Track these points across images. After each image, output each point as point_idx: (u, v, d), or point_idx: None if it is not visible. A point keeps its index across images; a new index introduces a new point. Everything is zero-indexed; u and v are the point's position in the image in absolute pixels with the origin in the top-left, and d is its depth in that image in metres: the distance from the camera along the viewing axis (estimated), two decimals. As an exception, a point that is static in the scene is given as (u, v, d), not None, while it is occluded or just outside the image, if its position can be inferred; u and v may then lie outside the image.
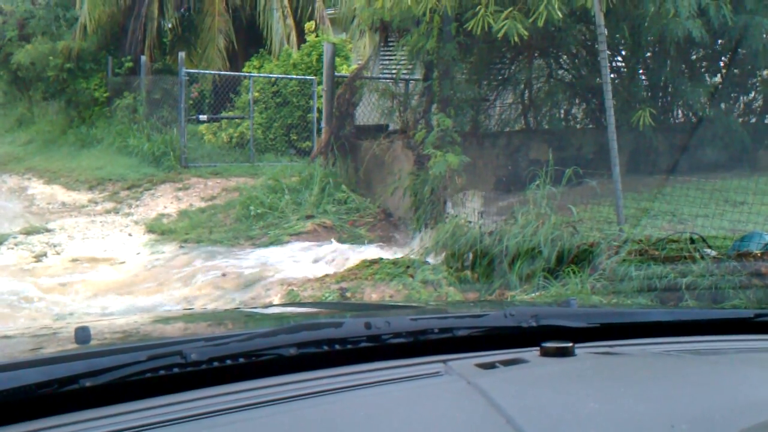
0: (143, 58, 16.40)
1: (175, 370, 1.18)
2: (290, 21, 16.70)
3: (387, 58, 10.98)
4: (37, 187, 13.91)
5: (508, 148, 9.45)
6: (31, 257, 8.85)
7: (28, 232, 9.94)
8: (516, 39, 6.89)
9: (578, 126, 10.09)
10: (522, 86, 9.80)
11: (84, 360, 1.20)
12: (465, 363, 1.34)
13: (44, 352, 1.63)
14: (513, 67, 9.73)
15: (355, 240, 8.87)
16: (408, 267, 6.78)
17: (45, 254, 8.96)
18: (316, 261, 8.05)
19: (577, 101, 10.01)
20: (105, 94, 17.98)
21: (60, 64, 17.65)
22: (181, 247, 9.01)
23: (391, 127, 10.44)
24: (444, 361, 1.34)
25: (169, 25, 18.37)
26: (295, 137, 15.04)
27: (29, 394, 1.09)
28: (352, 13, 11.39)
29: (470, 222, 7.12)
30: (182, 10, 17.73)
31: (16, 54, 18.45)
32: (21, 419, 1.07)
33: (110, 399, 1.13)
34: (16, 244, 9.39)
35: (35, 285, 7.71)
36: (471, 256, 6.39)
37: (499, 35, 6.96)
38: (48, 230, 10.15)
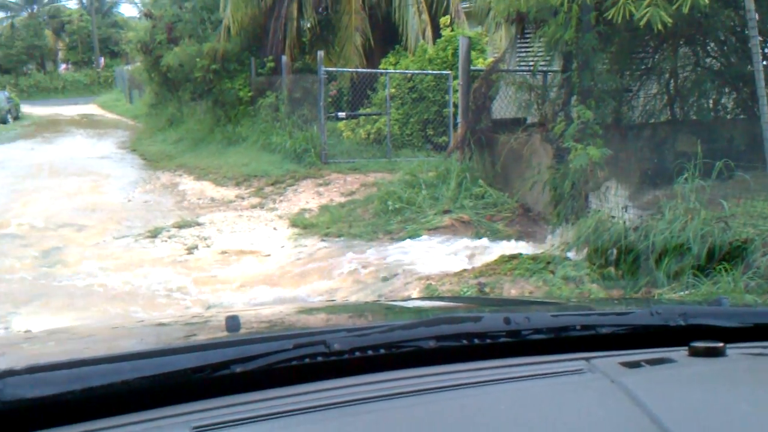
0: (284, 57, 16.89)
1: (319, 358, 1.22)
2: (425, 16, 16.74)
3: (523, 50, 10.81)
4: (187, 183, 14.65)
5: (652, 140, 9.09)
6: (184, 249, 9.32)
7: (180, 226, 10.48)
8: (659, 27, 6.60)
9: (728, 116, 9.56)
10: (667, 76, 9.39)
11: (235, 347, 1.25)
12: (608, 361, 1.31)
13: (197, 339, 1.72)
14: (657, 56, 9.34)
15: (493, 235, 8.80)
16: (548, 263, 6.66)
17: (196, 247, 9.42)
18: (453, 255, 8.05)
19: (726, 90, 9.48)
20: (249, 94, 18.64)
21: (206, 66, 18.43)
22: (323, 240, 9.23)
23: (529, 120, 10.27)
24: (587, 359, 1.32)
25: (308, 25, 18.83)
26: (431, 132, 15.08)
27: (185, 378, 1.16)
28: (488, 6, 11.28)
29: (613, 217, 6.91)
30: (320, 9, 18.12)
31: (165, 56, 19.44)
32: (176, 402, 1.13)
33: (257, 385, 1.17)
34: (169, 237, 9.93)
35: (187, 276, 8.13)
36: (615, 252, 6.20)
37: (642, 23, 6.70)
38: (198, 224, 10.66)
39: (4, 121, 31.82)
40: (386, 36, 17.12)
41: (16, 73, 52.96)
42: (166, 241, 9.79)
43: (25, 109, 37.66)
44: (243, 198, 12.66)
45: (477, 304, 2.53)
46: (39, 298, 7.41)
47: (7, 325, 6.55)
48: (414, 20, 16.60)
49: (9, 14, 55.72)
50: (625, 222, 6.62)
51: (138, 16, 44.32)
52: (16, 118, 34.21)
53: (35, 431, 1.06)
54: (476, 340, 1.34)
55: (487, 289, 6.30)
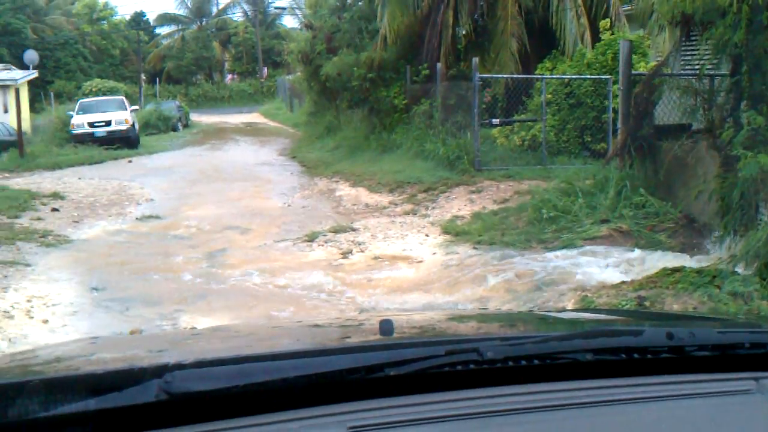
0: (439, 65, 16.98)
1: (471, 366, 1.21)
2: (584, 20, 16.33)
3: (689, 53, 10.33)
4: (343, 190, 15.01)
5: (832, 147, 8.43)
6: (339, 254, 9.55)
7: (336, 231, 10.74)
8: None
9: None
10: None
11: (389, 350, 1.27)
12: None
13: (352, 341, 1.76)
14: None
15: (654, 246, 8.44)
16: (714, 277, 6.30)
17: (350, 251, 9.62)
18: (611, 267, 7.78)
19: None
20: (404, 102, 18.87)
21: (363, 74, 18.81)
22: (474, 248, 9.19)
23: (694, 127, 9.78)
24: (756, 379, 1.24)
25: (463, 32, 18.83)
26: (588, 139, 14.68)
27: (340, 379, 1.18)
28: (650, 8, 10.84)
29: (787, 229, 6.46)
30: (476, 16, 18.07)
31: (324, 66, 20.01)
32: (330, 401, 1.15)
33: (407, 389, 1.18)
34: (325, 242, 10.21)
35: (341, 280, 8.32)
36: (788, 267, 5.80)
37: (823, 22, 6.24)
38: (353, 229, 10.89)
39: (175, 129, 33.87)
40: (543, 41, 16.84)
41: (186, 83, 56.30)
42: (322, 245, 10.06)
43: (194, 117, 39.99)
44: (396, 204, 12.82)
45: (636, 318, 2.44)
46: (203, 297, 7.81)
47: (174, 322, 6.95)
48: (572, 24, 16.23)
49: (180, 27, 59.39)
50: (801, 235, 6.18)
51: (299, 27, 46.05)
52: (186, 126, 36.36)
53: (198, 424, 1.11)
54: (636, 355, 1.29)
55: (647, 303, 6.04)
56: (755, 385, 1.23)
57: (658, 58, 12.10)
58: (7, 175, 18.64)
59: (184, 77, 56.56)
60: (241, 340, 1.92)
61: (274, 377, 1.15)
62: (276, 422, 1.11)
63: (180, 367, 1.17)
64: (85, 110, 26.24)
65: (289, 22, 58.77)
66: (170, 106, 36.27)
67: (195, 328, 6.17)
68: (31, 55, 33.36)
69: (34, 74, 32.40)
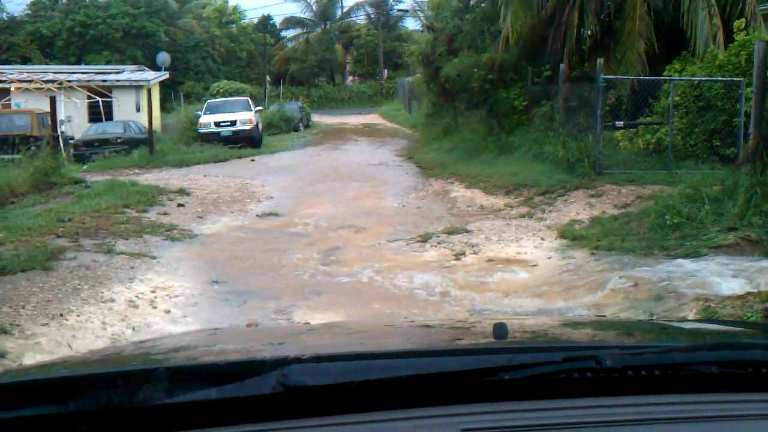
0: (561, 66, 16.66)
1: (588, 374, 1.17)
2: (717, 20, 15.63)
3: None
4: (458, 191, 14.96)
5: None
6: (451, 255, 9.51)
7: (450, 232, 10.72)
8: None
9: None
10: None
11: (504, 354, 1.25)
12: None
13: (464, 343, 1.74)
14: None
15: (786, 257, 7.98)
16: None
17: (463, 253, 9.57)
18: (737, 277, 7.40)
19: None
20: (524, 103, 18.64)
21: (483, 76, 18.71)
22: (592, 253, 8.95)
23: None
24: None
25: (588, 33, 18.41)
26: (718, 143, 14.05)
27: (454, 380, 1.17)
28: (790, 7, 10.30)
29: None
30: (602, 16, 17.65)
31: (444, 67, 20.02)
32: (442, 402, 1.14)
33: (521, 395, 1.15)
34: (438, 243, 10.20)
35: (453, 281, 8.28)
36: None
37: None
38: (467, 231, 10.84)
39: (296, 129, 34.74)
40: (671, 42, 16.25)
41: (308, 84, 57.66)
42: (435, 246, 10.06)
43: (315, 118, 40.89)
44: (512, 207, 12.66)
45: (763, 331, 2.32)
46: (317, 294, 7.96)
47: (289, 316, 7.11)
48: (704, 24, 15.57)
49: (305, 30, 60.89)
50: None
51: (420, 29, 46.27)
52: (307, 126, 37.24)
53: (311, 418, 1.12)
54: (764, 370, 1.22)
55: (775, 316, 5.73)
56: None
57: (797, 60, 11.45)
58: (137, 171, 19.60)
59: (307, 79, 57.92)
60: (354, 337, 1.94)
61: (387, 375, 1.15)
62: (388, 420, 1.11)
63: (297, 361, 1.18)
64: (212, 110, 27.28)
65: (411, 24, 59.19)
66: (292, 107, 37.22)
67: (309, 323, 6.29)
68: (163, 57, 35.06)
69: (165, 75, 34.01)
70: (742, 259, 7.95)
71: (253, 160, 22.53)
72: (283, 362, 1.17)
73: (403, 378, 1.15)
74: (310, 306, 7.46)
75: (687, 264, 7.93)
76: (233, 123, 26.18)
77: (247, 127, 26.26)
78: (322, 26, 60.73)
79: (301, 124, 35.99)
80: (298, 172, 18.97)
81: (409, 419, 1.11)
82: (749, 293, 6.59)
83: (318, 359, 1.23)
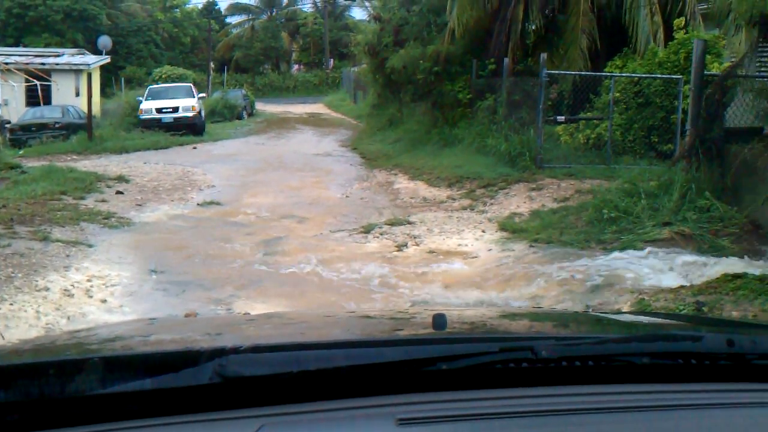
0: (506, 60, 16.80)
1: (524, 364, 1.19)
2: (658, 18, 15.97)
3: (765, 54, 10.02)
4: (402, 183, 15.01)
5: None
6: (394, 246, 9.55)
7: (392, 223, 10.75)
8: None
9: None
10: None
11: (442, 345, 1.26)
12: None
13: (404, 334, 1.75)
14: None
15: (716, 251, 8.21)
16: (778, 285, 6.12)
17: (406, 244, 9.62)
18: (671, 270, 7.60)
19: None
20: (468, 96, 18.75)
21: (429, 68, 18.75)
22: (531, 246, 9.08)
23: (766, 131, 9.49)
24: None
25: (533, 27, 18.62)
26: (655, 139, 14.37)
27: (392, 371, 1.17)
28: (727, 8, 10.54)
29: None
30: (546, 11, 17.86)
31: (390, 58, 20.01)
32: (380, 392, 1.14)
33: (457, 385, 1.16)
34: (381, 234, 10.22)
35: (395, 272, 8.32)
36: None
37: None
38: (409, 222, 10.88)
39: (240, 117, 34.38)
40: (614, 38, 16.54)
41: (253, 72, 57.08)
42: (378, 237, 10.08)
43: (259, 106, 40.52)
44: (454, 199, 12.76)
45: (694, 324, 2.38)
46: (258, 284, 7.91)
47: (229, 306, 7.05)
48: (645, 22, 15.89)
49: (250, 17, 60.22)
50: None
51: (367, 19, 46.20)
52: (251, 114, 36.89)
53: (249, 408, 1.11)
54: (694, 361, 1.25)
55: (705, 309, 5.89)
56: None
57: (733, 59, 11.77)
58: (75, 157, 19.18)
59: (252, 66, 57.33)
60: (294, 327, 1.93)
61: (326, 366, 1.15)
62: (326, 410, 1.11)
63: (235, 351, 1.17)
64: (153, 96, 26.81)
65: (358, 14, 59.12)
66: (236, 95, 36.81)
67: (249, 313, 6.24)
68: (104, 41, 34.26)
69: (106, 59, 33.28)
70: (675, 253, 8.16)
71: (195, 148, 22.25)
72: (221, 352, 1.16)
73: (341, 368, 1.15)
74: (251, 296, 7.40)
75: (623, 257, 8.11)
76: (175, 109, 25.78)
77: (190, 114, 25.90)
78: (268, 13, 60.14)
79: (244, 112, 35.61)
80: (240, 161, 18.79)
81: (347, 409, 1.10)
82: (682, 286, 6.77)
83: (256, 349, 1.22)
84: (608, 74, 15.14)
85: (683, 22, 14.94)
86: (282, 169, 17.22)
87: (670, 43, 14.91)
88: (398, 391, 1.15)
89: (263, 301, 7.18)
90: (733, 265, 7.54)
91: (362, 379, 1.16)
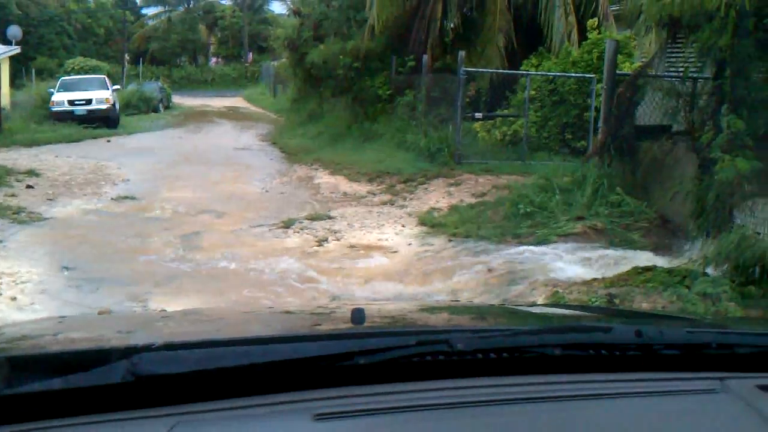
0: (425, 57, 16.95)
1: (441, 357, 1.20)
2: (572, 18, 16.37)
3: (674, 55, 10.38)
4: (322, 177, 14.97)
5: (808, 154, 8.52)
6: (314, 241, 9.52)
7: (313, 218, 10.72)
8: (826, 34, 6.18)
9: None
10: (829, 86, 8.78)
11: (359, 339, 1.26)
12: (744, 383, 1.23)
13: (323, 329, 1.75)
14: (820, 66, 8.75)
15: (627, 245, 8.50)
16: (684, 277, 6.36)
17: (326, 239, 9.60)
18: (583, 264, 7.83)
19: None
20: (388, 92, 18.84)
21: (348, 63, 18.76)
22: (450, 240, 9.20)
23: (675, 128, 9.85)
24: (720, 379, 1.25)
25: (451, 25, 18.80)
26: (569, 136, 14.74)
27: (310, 366, 1.17)
28: (638, 9, 10.87)
29: (759, 233, 6.53)
30: (464, 9, 18.07)
31: (310, 53, 19.93)
32: (299, 388, 1.14)
33: (377, 378, 1.17)
34: (302, 229, 10.18)
35: (315, 267, 8.29)
36: (758, 270, 5.85)
37: (806, 30, 6.29)
38: (330, 217, 10.87)
39: (156, 110, 33.60)
40: (530, 38, 16.87)
41: (170, 65, 55.83)
42: (298, 232, 10.03)
43: (176, 99, 39.67)
44: (374, 194, 12.80)
45: (605, 315, 2.46)
46: (175, 280, 7.76)
47: (145, 303, 6.90)
48: (560, 22, 16.27)
49: (167, 8, 58.85)
50: (772, 239, 6.24)
51: (287, 13, 45.80)
52: (167, 107, 36.08)
53: (164, 407, 1.09)
54: (605, 351, 1.29)
55: (616, 301, 6.08)
56: (720, 385, 1.24)
57: (643, 59, 12.16)
58: (-17, 150, 18.42)
59: (169, 59, 56.07)
60: (211, 324, 1.90)
61: (242, 363, 1.14)
62: (242, 407, 1.10)
63: (148, 349, 1.15)
64: (66, 88, 25.97)
65: (277, 7, 58.56)
66: (152, 87, 35.96)
67: (165, 310, 6.12)
68: (14, 31, 32.85)
69: (16, 50, 31.94)
70: (588, 247, 8.41)
71: (109, 141, 21.63)
72: (133, 350, 1.13)
73: (258, 365, 1.14)
74: (167, 293, 7.26)
75: (538, 251, 8.32)
76: (88, 102, 25.03)
77: (104, 107, 25.19)
78: (185, 5, 58.84)
79: (161, 105, 34.83)
80: (157, 155, 18.38)
81: (264, 405, 1.10)
82: (594, 279, 6.98)
83: (170, 347, 1.20)
84: (524, 72, 15.44)
85: (596, 23, 15.35)
86: (200, 164, 16.93)
87: (583, 43, 15.30)
88: (316, 387, 1.15)
89: (181, 297, 7.06)
90: (642, 257, 7.82)
91: (279, 375, 1.15)
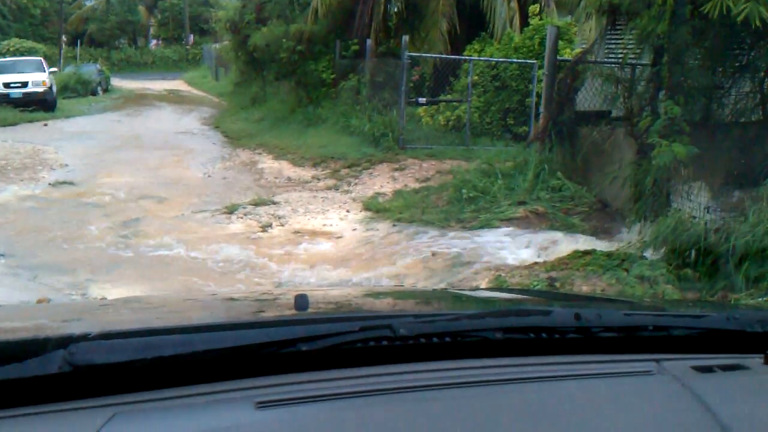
0: (369, 41, 16.92)
1: (384, 342, 1.21)
2: (514, 4, 16.53)
3: (613, 42, 10.55)
4: (266, 162, 14.85)
5: (741, 140, 8.75)
6: (258, 227, 9.46)
7: (257, 204, 10.64)
8: (758, 23, 6.36)
9: (825, 119, 9.13)
10: (761, 74, 9.02)
11: (302, 325, 1.26)
12: (680, 364, 1.27)
13: (266, 316, 1.74)
14: (752, 54, 8.98)
15: (568, 229, 8.64)
16: (623, 260, 6.51)
17: (270, 225, 9.55)
18: (525, 248, 7.95)
19: (825, 91, 9.06)
20: (332, 76, 18.76)
21: (292, 47, 18.61)
22: (394, 225, 9.24)
23: (614, 114, 10.03)
24: (657, 360, 1.28)
25: (395, 9, 18.81)
26: (511, 122, 14.90)
27: (252, 353, 1.16)
28: (580, -4, 11.06)
29: (695, 217, 6.70)
30: (408, -6, 18.08)
31: (252, 36, 19.71)
32: (242, 376, 1.14)
33: (321, 365, 1.17)
34: (245, 214, 10.09)
35: (260, 253, 8.25)
36: (693, 253, 6.02)
37: (739, 19, 6.45)
38: (274, 203, 10.80)
39: (95, 93, 32.85)
40: (472, 23, 16.96)
41: (109, 47, 54.57)
42: (241, 217, 9.95)
43: (115, 82, 38.82)
44: (319, 179, 12.76)
45: (546, 299, 2.49)
46: (116, 267, 7.63)
47: (84, 291, 6.77)
48: (502, 8, 16.40)
49: (106, -11, 57.40)
50: (706, 223, 6.42)
51: (228, -5, 45.09)
52: (106, 90, 35.30)
53: (103, 397, 1.08)
54: (544, 335, 1.31)
55: (557, 284, 6.20)
56: (656, 367, 1.26)
57: (584, 46, 12.35)
58: None
59: (107, 41, 54.76)
60: (152, 312, 1.87)
61: (182, 351, 1.13)
62: (182, 396, 1.09)
63: (85, 338, 1.13)
64: (0, 70, 25.19)
65: (219, -11, 57.42)
66: (90, 70, 35.10)
67: (105, 298, 6.02)
68: (-57, 9, 31.69)
69: (-55, 29, 30.91)
70: (530, 231, 8.53)
71: (46, 125, 21.06)
72: (70, 340, 1.11)
73: (199, 353, 1.13)
74: (108, 280, 7.14)
75: (481, 235, 8.41)
76: (24, 84, 24.33)
77: (40, 90, 24.50)
78: (125, -14, 57.56)
79: (99, 88, 34.05)
80: (96, 139, 17.98)
81: (204, 395, 1.09)
82: (536, 263, 7.09)
83: (108, 336, 1.18)
84: (467, 58, 15.53)
85: (538, 9, 15.52)
86: (140, 148, 16.61)
87: (525, 28, 15.47)
88: (258, 374, 1.14)
89: (122, 285, 6.94)
90: (582, 241, 7.96)
91: (220, 364, 1.14)
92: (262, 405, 1.06)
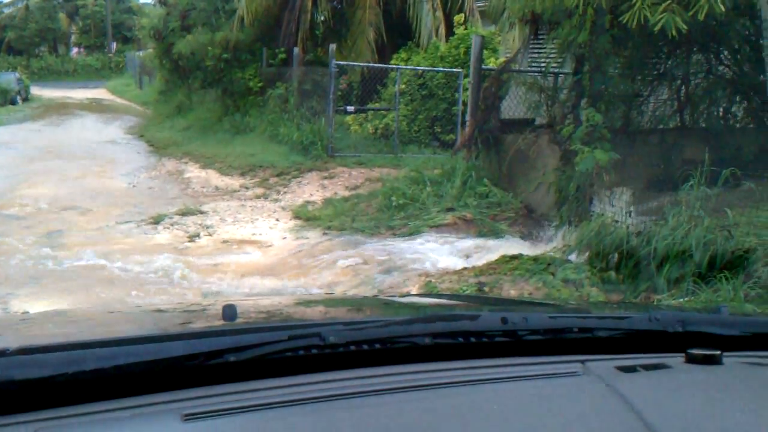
0: (296, 50, 16.87)
1: (314, 351, 1.21)
2: (440, 13, 16.71)
3: (536, 51, 10.77)
4: (193, 171, 14.65)
5: (660, 146, 9.04)
6: (185, 237, 9.32)
7: (184, 213, 10.48)
8: (674, 33, 6.57)
9: (738, 125, 9.51)
10: (678, 82, 9.34)
11: (230, 336, 1.24)
12: (604, 365, 1.30)
13: (193, 327, 1.71)
14: (669, 62, 9.29)
15: (496, 234, 8.78)
16: (549, 264, 6.64)
17: (198, 235, 9.42)
18: (454, 254, 8.04)
19: (737, 99, 9.43)
20: (259, 84, 18.63)
21: (218, 55, 18.43)
22: (325, 233, 9.22)
23: (538, 122, 10.23)
24: (582, 362, 1.31)
25: (322, 18, 18.79)
26: (439, 130, 15.06)
27: (177, 365, 1.15)
28: (502, 6, 11.23)
29: (617, 221, 6.88)
30: (334, 2, 18.10)
31: (177, 44, 19.43)
32: (168, 388, 1.12)
33: (250, 375, 1.16)
34: (172, 224, 9.93)
35: (188, 264, 8.11)
36: (616, 256, 6.17)
37: (656, 29, 6.65)
38: (202, 212, 10.66)
39: (13, 102, 31.89)
40: (399, 32, 17.09)
41: (28, 54, 53.02)
42: (168, 228, 9.79)
43: (35, 91, 37.70)
44: (247, 188, 12.65)
45: (475, 303, 2.52)
46: (38, 281, 7.41)
47: (5, 306, 6.55)
48: (428, 17, 16.57)
49: (24, -4, 55.76)
50: (628, 227, 6.59)
51: (152, 2, 44.33)
52: (26, 99, 34.29)
53: (25, 413, 1.05)
54: (472, 339, 1.33)
55: (486, 289, 6.28)
56: (582, 368, 1.28)
57: (508, 55, 12.57)
58: None
59: (27, 49, 53.18)
60: (76, 325, 1.83)
61: (105, 365, 1.10)
62: (107, 411, 1.06)
63: (3, 354, 1.10)
64: None
65: (143, -4, 56.43)
66: (9, 78, 34.03)
67: (27, 312, 5.84)
68: None
69: None
70: (458, 237, 8.63)
71: (-39, 135, 20.36)
72: None
73: (123, 366, 1.11)
74: (30, 294, 6.92)
75: (411, 242, 8.47)
76: (-63, 93, 23.47)
77: (-46, 99, 23.67)
78: (44, -8, 56.00)
79: (18, 97, 33.05)
80: (15, 149, 17.44)
81: (129, 408, 1.07)
82: (465, 268, 7.17)
83: (27, 351, 1.15)
84: (394, 66, 15.64)
85: (463, 18, 15.73)
86: (62, 158, 16.17)
87: (451, 38, 15.65)
88: (186, 386, 1.13)
89: (45, 298, 6.74)
90: (510, 246, 8.09)
91: (145, 377, 1.13)
92: (189, 417, 1.05)
